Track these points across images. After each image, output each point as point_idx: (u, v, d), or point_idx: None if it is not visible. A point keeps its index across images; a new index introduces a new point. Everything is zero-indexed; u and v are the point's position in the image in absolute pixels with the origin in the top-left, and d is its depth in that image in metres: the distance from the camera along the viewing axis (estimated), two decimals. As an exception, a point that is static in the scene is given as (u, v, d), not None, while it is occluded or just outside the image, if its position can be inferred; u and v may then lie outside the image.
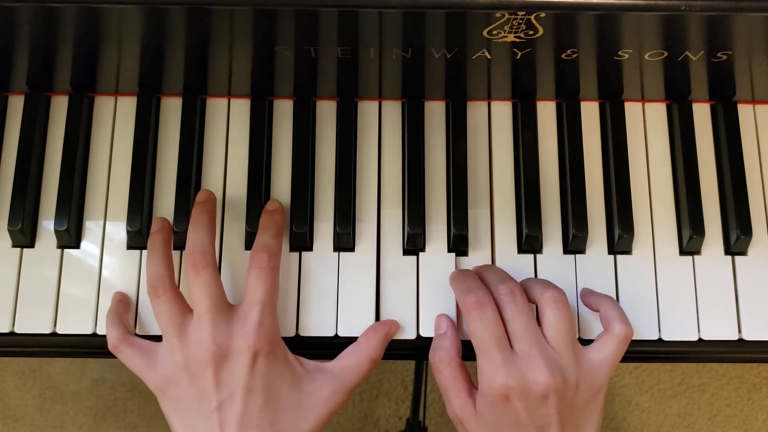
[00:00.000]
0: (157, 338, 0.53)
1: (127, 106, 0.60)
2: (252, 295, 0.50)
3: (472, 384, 0.52)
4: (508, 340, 0.49)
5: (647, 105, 0.61)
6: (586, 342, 0.56)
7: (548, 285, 0.51)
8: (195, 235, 0.52)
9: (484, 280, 0.53)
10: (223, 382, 0.48)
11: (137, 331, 0.56)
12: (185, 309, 0.51)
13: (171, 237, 0.55)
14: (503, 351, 0.48)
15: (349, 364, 0.52)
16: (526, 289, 0.52)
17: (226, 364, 0.48)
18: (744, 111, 0.61)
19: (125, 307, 0.55)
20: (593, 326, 0.56)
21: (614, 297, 0.57)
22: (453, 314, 0.56)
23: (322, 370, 0.52)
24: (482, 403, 0.49)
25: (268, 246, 0.52)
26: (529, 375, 0.47)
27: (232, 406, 0.48)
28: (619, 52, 0.52)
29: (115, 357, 0.54)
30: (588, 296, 0.55)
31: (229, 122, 0.60)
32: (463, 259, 0.58)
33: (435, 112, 0.61)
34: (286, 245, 0.57)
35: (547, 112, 0.61)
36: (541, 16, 0.46)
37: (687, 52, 0.52)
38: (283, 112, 0.60)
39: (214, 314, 0.49)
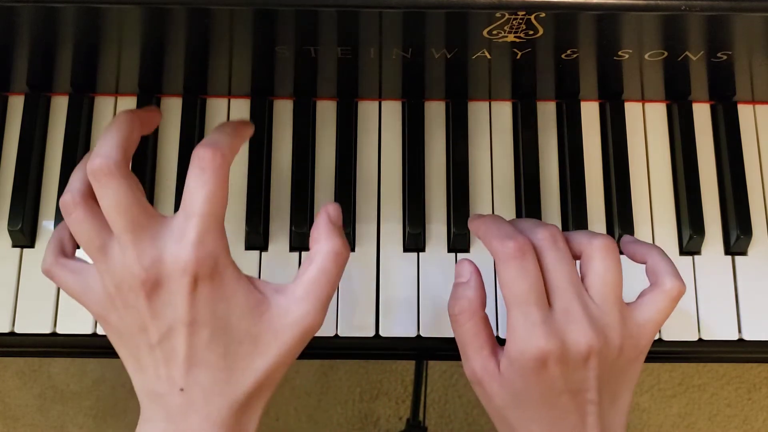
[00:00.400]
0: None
1: (127, 106, 0.60)
2: (189, 204, 0.41)
3: (494, 340, 0.46)
4: (545, 296, 0.43)
5: (647, 105, 0.61)
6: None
7: (594, 233, 0.45)
8: (103, 140, 0.43)
9: (517, 225, 0.47)
10: (160, 314, 0.41)
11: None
12: (107, 228, 0.42)
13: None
14: (542, 307, 0.42)
15: (311, 275, 0.43)
16: (568, 239, 0.46)
17: (161, 291, 0.41)
18: (744, 111, 0.61)
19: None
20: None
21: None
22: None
23: (283, 292, 0.43)
24: (510, 366, 0.43)
25: (215, 142, 0.42)
26: (570, 335, 0.42)
27: (175, 340, 0.41)
28: (619, 52, 0.52)
29: (117, 358, 0.53)
30: (632, 245, 0.49)
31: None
32: (462, 258, 0.58)
33: (435, 112, 0.61)
34: (285, 246, 0.57)
35: (547, 112, 0.61)
36: (541, 16, 0.46)
37: (687, 52, 0.52)
38: (283, 112, 0.60)
39: (134, 232, 0.41)
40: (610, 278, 0.44)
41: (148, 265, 0.41)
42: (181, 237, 0.41)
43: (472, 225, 0.49)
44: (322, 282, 0.43)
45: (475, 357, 0.45)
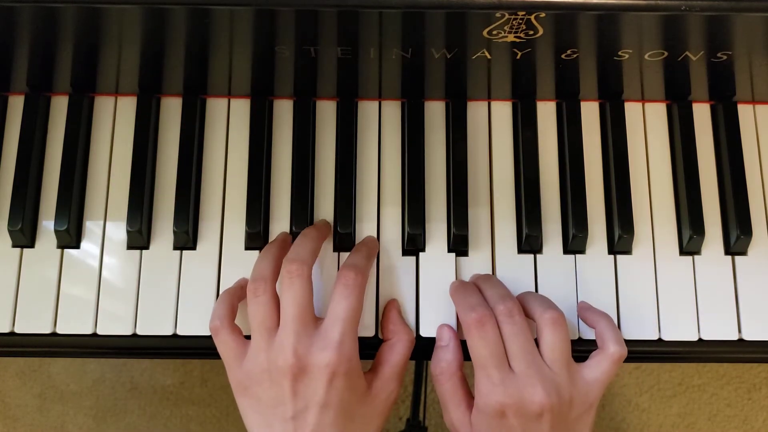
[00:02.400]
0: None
1: (127, 106, 0.60)
2: (335, 311, 0.51)
3: (471, 396, 0.53)
4: (506, 358, 0.50)
5: (647, 105, 0.61)
6: (585, 342, 0.56)
7: (548, 305, 0.52)
8: (299, 246, 0.53)
9: (484, 294, 0.54)
10: (300, 394, 0.49)
11: (138, 331, 0.56)
12: (278, 313, 0.51)
13: (288, 247, 0.54)
14: (501, 370, 0.50)
15: (395, 360, 0.54)
16: (526, 304, 0.53)
17: (304, 377, 0.49)
18: (744, 111, 0.61)
19: (243, 294, 0.55)
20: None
21: (614, 297, 0.57)
22: (453, 316, 0.56)
23: (379, 377, 0.53)
24: (478, 417, 0.51)
25: (357, 265, 0.53)
26: (525, 394, 0.49)
27: (307, 417, 0.49)
28: (619, 52, 0.52)
29: (117, 358, 0.54)
30: (585, 311, 0.56)
31: (229, 122, 0.60)
32: (463, 259, 0.58)
33: (435, 112, 0.61)
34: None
35: (547, 112, 0.61)
36: (541, 16, 0.46)
37: (687, 52, 0.52)
38: (283, 112, 0.60)
39: (298, 325, 0.50)
40: (558, 347, 0.51)
41: (301, 354, 0.49)
42: (326, 337, 0.50)
43: (450, 294, 0.56)
44: (403, 366, 0.54)
45: (454, 411, 0.53)
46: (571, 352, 0.52)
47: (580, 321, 0.56)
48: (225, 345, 0.52)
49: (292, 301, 0.50)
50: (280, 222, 0.58)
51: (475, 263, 0.57)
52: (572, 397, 0.50)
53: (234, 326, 0.53)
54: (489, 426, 0.50)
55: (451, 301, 0.56)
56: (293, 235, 0.57)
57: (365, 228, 0.58)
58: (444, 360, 0.54)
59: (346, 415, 0.50)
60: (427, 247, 0.58)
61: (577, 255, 0.58)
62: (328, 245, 0.57)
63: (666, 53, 0.52)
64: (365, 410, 0.52)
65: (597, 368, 0.52)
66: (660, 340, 0.57)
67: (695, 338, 0.57)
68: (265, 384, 0.50)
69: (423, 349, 0.56)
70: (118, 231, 0.58)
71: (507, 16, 0.46)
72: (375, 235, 0.58)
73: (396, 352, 0.54)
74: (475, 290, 0.54)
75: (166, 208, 0.58)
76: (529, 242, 0.57)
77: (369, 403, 0.52)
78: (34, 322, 0.56)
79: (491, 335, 0.50)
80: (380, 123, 0.60)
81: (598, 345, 0.53)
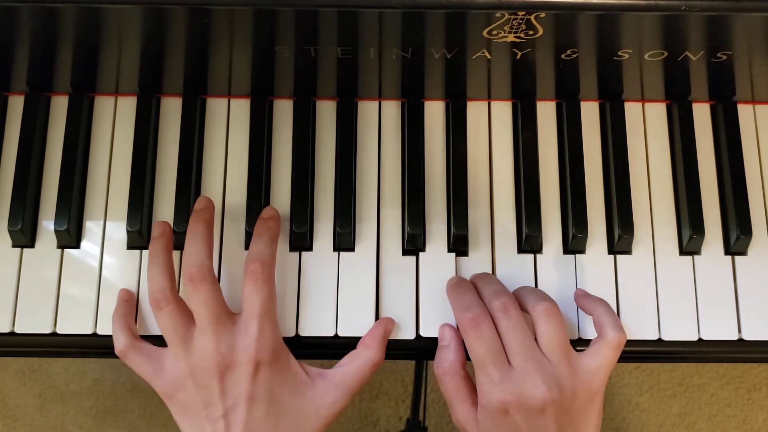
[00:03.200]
0: (161, 339, 0.53)
1: (127, 106, 0.60)
2: (249, 308, 0.51)
3: (475, 393, 0.53)
4: (504, 355, 0.50)
5: (647, 105, 0.61)
6: (586, 342, 0.56)
7: (540, 296, 0.52)
8: (191, 248, 0.53)
9: (480, 291, 0.54)
10: (228, 391, 0.50)
11: (139, 330, 0.56)
12: (189, 319, 0.52)
13: (171, 242, 0.55)
14: (500, 367, 0.50)
15: (350, 370, 0.53)
16: (519, 298, 0.53)
17: (231, 374, 0.50)
18: (744, 111, 0.61)
19: (131, 308, 0.55)
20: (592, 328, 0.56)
21: (614, 297, 0.57)
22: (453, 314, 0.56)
23: (325, 377, 0.53)
24: (482, 414, 0.51)
25: (260, 256, 0.52)
26: (526, 390, 0.49)
27: (237, 413, 0.50)
28: (619, 52, 0.52)
29: (116, 358, 0.54)
30: (582, 299, 0.56)
31: (229, 122, 0.60)
32: (463, 259, 0.58)
33: (435, 112, 0.61)
34: (286, 245, 0.57)
35: (547, 112, 0.61)
36: (541, 16, 0.46)
37: (687, 52, 0.52)
38: (283, 112, 0.60)
39: (215, 326, 0.50)
40: (555, 337, 0.51)
41: (225, 351, 0.50)
42: (246, 333, 0.50)
43: (447, 292, 0.56)
44: (357, 379, 0.53)
45: (459, 408, 0.53)
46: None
47: (580, 320, 0.56)
48: (137, 365, 0.53)
49: (203, 306, 0.51)
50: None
51: (475, 263, 0.57)
52: (574, 387, 0.50)
53: (138, 344, 0.53)
54: (494, 423, 0.50)
55: (451, 301, 0.56)
56: (291, 234, 0.57)
57: (365, 228, 0.58)
58: (446, 360, 0.54)
59: (278, 408, 0.50)
60: (427, 247, 0.58)
61: (577, 255, 0.58)
62: (327, 245, 0.57)
63: (666, 53, 0.52)
64: (302, 407, 0.51)
65: (597, 356, 0.51)
66: (660, 340, 0.57)
67: (695, 338, 0.57)
68: (190, 389, 0.51)
69: (423, 349, 0.56)
70: (118, 231, 0.58)
71: (507, 16, 0.46)
72: (375, 236, 0.58)
73: (356, 362, 0.54)
74: (471, 288, 0.54)
75: (166, 208, 0.58)
76: (529, 242, 0.57)
77: (308, 402, 0.52)
78: (34, 322, 0.56)
79: (487, 334, 0.50)
80: (380, 123, 0.60)
81: (597, 332, 0.53)
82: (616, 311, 0.57)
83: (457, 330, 0.55)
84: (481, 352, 0.50)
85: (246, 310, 0.51)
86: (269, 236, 0.55)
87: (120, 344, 0.53)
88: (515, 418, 0.49)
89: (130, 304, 0.56)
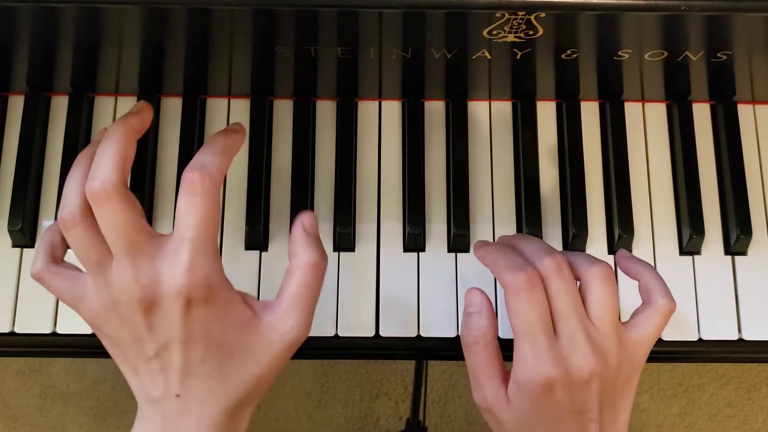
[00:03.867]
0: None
1: (127, 106, 0.60)
2: (180, 229, 0.42)
3: (505, 369, 0.48)
4: (551, 322, 0.45)
5: (647, 105, 0.61)
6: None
7: (594, 259, 0.47)
8: (100, 158, 0.43)
9: (521, 251, 0.49)
10: (157, 329, 0.42)
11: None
12: (104, 243, 0.43)
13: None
14: (549, 335, 0.45)
15: (292, 289, 0.44)
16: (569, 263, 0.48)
17: (157, 309, 0.42)
18: (744, 111, 0.61)
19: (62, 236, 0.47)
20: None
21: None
22: (453, 316, 0.56)
23: (270, 307, 0.45)
24: (518, 391, 0.46)
25: (204, 165, 0.43)
26: (573, 361, 0.44)
27: (171, 355, 0.43)
28: (619, 52, 0.52)
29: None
30: (626, 261, 0.51)
31: (229, 122, 0.60)
32: (463, 259, 0.58)
33: (435, 112, 0.61)
34: (286, 245, 0.57)
35: (547, 112, 0.61)
36: (541, 16, 0.46)
37: (687, 52, 0.52)
38: (283, 112, 0.60)
39: (131, 253, 0.42)
40: (608, 304, 0.46)
41: (146, 284, 0.42)
42: (175, 261, 0.42)
43: (478, 253, 0.51)
44: (303, 295, 0.44)
45: (487, 385, 0.47)
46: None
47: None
48: (56, 290, 0.45)
49: (113, 230, 0.42)
50: (280, 221, 0.58)
51: (476, 263, 0.57)
52: (620, 360, 0.45)
53: (57, 266, 0.46)
54: (532, 400, 0.45)
55: (451, 301, 0.56)
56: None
57: (365, 228, 0.58)
58: (478, 327, 0.48)
59: (220, 349, 0.43)
60: (427, 247, 0.58)
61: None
62: (327, 245, 0.57)
63: (666, 53, 0.52)
64: (250, 346, 0.43)
65: (644, 325, 0.47)
66: (660, 340, 0.57)
67: (695, 338, 0.57)
68: (115, 323, 0.43)
69: (423, 349, 0.56)
70: (118, 231, 0.57)
71: (507, 16, 0.46)
72: (375, 235, 0.58)
73: (295, 280, 0.44)
74: (513, 250, 0.49)
75: (166, 208, 0.58)
76: (529, 242, 0.57)
77: (256, 339, 0.44)
78: (34, 322, 0.56)
79: (541, 297, 0.45)
80: (380, 123, 0.60)
81: (643, 299, 0.48)
82: (616, 311, 0.56)
83: (487, 296, 0.50)
84: (533, 317, 0.44)
85: (177, 231, 0.42)
86: (221, 146, 0.45)
87: (35, 266, 0.46)
88: (558, 394, 0.44)
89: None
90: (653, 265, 0.58)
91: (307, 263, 0.44)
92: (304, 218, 0.46)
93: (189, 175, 0.42)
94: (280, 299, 0.45)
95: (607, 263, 0.47)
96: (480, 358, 0.48)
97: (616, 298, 0.46)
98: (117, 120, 0.47)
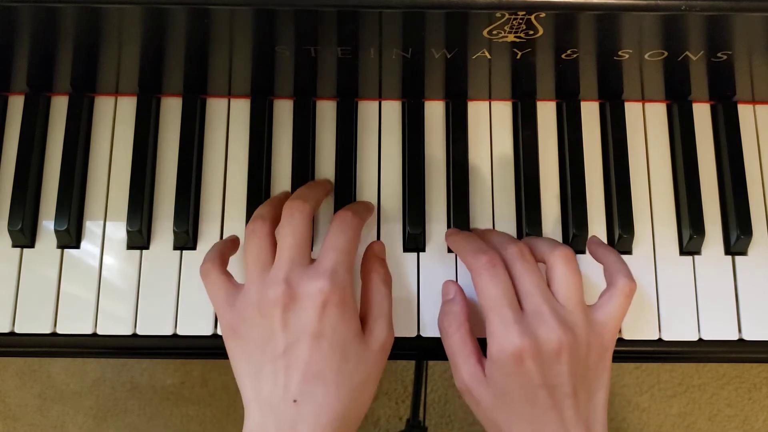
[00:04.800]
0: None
1: (127, 106, 0.60)
2: (330, 242, 0.50)
3: (480, 350, 0.51)
4: (516, 300, 0.49)
5: (647, 105, 0.61)
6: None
7: (556, 243, 0.51)
8: (304, 189, 0.54)
9: (489, 242, 0.53)
10: (290, 326, 0.47)
11: (138, 331, 0.56)
12: (274, 253, 0.51)
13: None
14: (514, 309, 0.48)
15: (376, 300, 0.52)
16: (532, 248, 0.52)
17: (295, 306, 0.47)
18: (744, 111, 0.61)
19: (233, 247, 0.55)
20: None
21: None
22: (453, 314, 0.56)
23: (366, 321, 0.51)
24: (492, 367, 0.48)
25: (355, 210, 0.53)
26: (541, 332, 0.47)
27: (298, 351, 0.47)
28: (619, 52, 0.52)
29: (116, 358, 0.53)
30: (594, 246, 0.55)
31: (229, 122, 0.60)
32: (463, 259, 0.58)
33: (435, 112, 0.61)
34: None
35: (547, 112, 0.61)
36: (541, 16, 0.46)
37: (687, 52, 0.52)
38: (283, 112, 0.60)
39: (294, 253, 0.49)
40: (572, 283, 0.49)
41: (293, 282, 0.48)
42: (320, 266, 0.49)
43: (448, 240, 0.56)
44: (386, 305, 0.52)
45: (464, 366, 0.50)
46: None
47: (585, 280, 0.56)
48: (215, 286, 0.51)
49: (290, 232, 0.49)
50: (280, 222, 0.58)
51: (475, 263, 0.57)
52: (589, 337, 0.48)
53: (225, 270, 0.52)
54: (506, 374, 0.47)
55: (451, 301, 0.56)
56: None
57: (365, 228, 0.58)
58: (451, 312, 0.52)
59: (341, 351, 0.48)
60: (427, 247, 0.58)
61: (577, 255, 0.58)
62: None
63: (666, 53, 0.52)
64: (361, 353, 0.49)
65: (608, 305, 0.50)
66: (660, 340, 0.57)
67: (695, 338, 0.57)
68: (254, 320, 0.48)
69: (423, 348, 0.56)
70: (118, 231, 0.58)
71: (507, 16, 0.46)
72: (375, 235, 0.58)
73: (375, 291, 0.52)
74: (477, 236, 0.54)
75: (166, 208, 0.58)
76: (529, 242, 0.57)
77: (364, 347, 0.49)
78: (34, 322, 0.56)
79: (502, 275, 0.49)
80: (380, 123, 0.60)
81: (607, 281, 0.52)
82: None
83: (460, 286, 0.55)
84: (496, 293, 0.48)
85: (326, 245, 0.50)
86: (365, 205, 0.56)
87: (207, 260, 0.52)
88: (529, 365, 0.47)
89: (234, 244, 0.55)
90: (653, 265, 0.58)
91: (382, 279, 0.53)
92: (375, 246, 0.56)
93: (343, 212, 0.52)
94: (368, 312, 0.51)
95: (568, 246, 0.51)
96: (455, 339, 0.51)
97: (578, 278, 0.50)
98: (318, 179, 0.58)
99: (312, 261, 0.50)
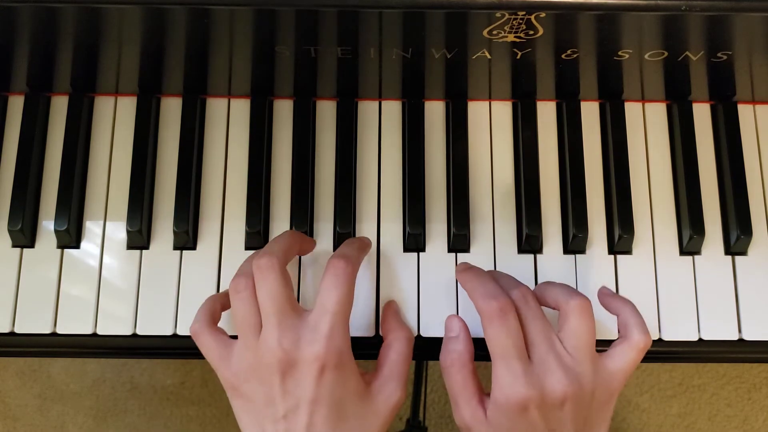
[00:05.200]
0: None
1: (127, 106, 0.60)
2: (323, 302, 0.49)
3: (482, 390, 0.51)
4: (525, 347, 0.49)
5: (647, 105, 0.61)
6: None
7: (573, 292, 0.50)
8: (273, 242, 0.52)
9: (497, 281, 0.52)
10: (290, 391, 0.48)
11: (138, 331, 0.56)
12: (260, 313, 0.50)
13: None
14: (523, 360, 0.48)
15: (392, 357, 0.52)
16: (548, 292, 0.52)
17: (293, 372, 0.48)
18: (744, 111, 0.61)
19: (227, 301, 0.53)
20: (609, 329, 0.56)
21: (614, 297, 0.57)
22: (453, 313, 0.56)
23: (375, 376, 0.51)
24: (496, 412, 0.49)
25: (346, 254, 0.51)
26: (546, 383, 0.47)
27: (298, 416, 0.48)
28: (619, 52, 0.52)
29: (116, 358, 0.53)
30: (607, 298, 0.54)
31: (229, 122, 0.60)
32: (463, 259, 0.58)
33: (435, 112, 0.61)
34: (286, 245, 0.57)
35: (547, 112, 0.61)
36: (541, 16, 0.46)
37: (687, 52, 0.52)
38: (283, 112, 0.60)
39: (278, 317, 0.48)
40: (584, 335, 0.49)
41: (287, 348, 0.47)
42: (316, 329, 0.48)
43: (459, 277, 0.55)
44: (401, 363, 0.52)
45: (465, 406, 0.50)
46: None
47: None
48: (207, 347, 0.51)
49: (267, 296, 0.48)
50: (280, 222, 0.58)
51: (476, 263, 0.57)
52: (594, 386, 0.48)
53: (215, 328, 0.52)
54: (509, 421, 0.48)
55: (451, 301, 0.56)
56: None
57: (365, 228, 0.58)
58: (455, 351, 0.52)
59: (339, 413, 0.48)
60: (427, 247, 0.58)
61: (577, 255, 0.58)
62: (327, 245, 0.57)
63: (666, 53, 0.52)
64: (361, 411, 0.49)
65: (620, 358, 0.50)
66: (660, 340, 0.57)
67: (695, 338, 0.57)
68: (254, 383, 0.49)
69: (423, 348, 0.56)
70: (118, 231, 0.58)
71: (507, 16, 0.46)
72: (375, 235, 0.58)
73: (394, 350, 0.52)
74: (491, 277, 0.52)
75: (166, 208, 0.58)
76: (529, 242, 0.57)
77: (366, 404, 0.50)
78: (34, 322, 0.56)
79: (513, 324, 0.48)
80: (380, 123, 0.60)
81: (621, 333, 0.51)
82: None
83: (464, 322, 0.54)
84: (507, 344, 0.48)
85: (319, 304, 0.49)
86: (360, 244, 0.54)
87: (196, 322, 0.52)
88: (533, 414, 0.47)
89: (228, 297, 0.53)
90: (653, 265, 0.58)
91: (404, 336, 0.53)
92: (393, 304, 0.56)
93: (336, 261, 0.50)
94: (382, 367, 0.52)
95: (585, 297, 0.50)
96: (457, 379, 0.51)
97: (592, 330, 0.49)
98: (296, 231, 0.56)
99: (303, 311, 0.49)
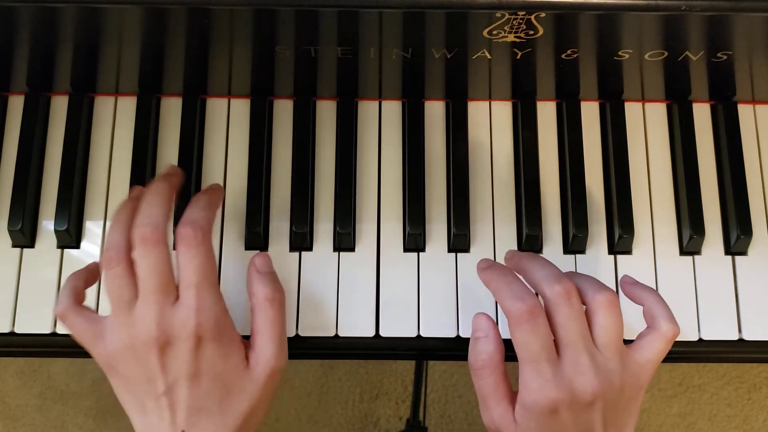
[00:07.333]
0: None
1: (127, 106, 0.60)
2: (184, 277, 0.47)
3: (512, 391, 0.50)
4: (554, 349, 0.47)
5: (647, 105, 0.61)
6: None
7: (600, 286, 0.49)
8: (150, 207, 0.48)
9: (529, 274, 0.50)
10: (168, 367, 0.47)
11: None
12: (136, 286, 0.48)
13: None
14: (553, 363, 0.46)
15: (259, 325, 0.49)
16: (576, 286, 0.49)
17: (170, 349, 0.46)
18: (744, 111, 0.61)
19: (89, 277, 0.52)
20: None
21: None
22: (453, 317, 0.56)
23: (249, 345, 0.50)
24: (525, 415, 0.47)
25: (194, 220, 0.48)
26: (577, 384, 0.46)
27: (179, 391, 0.47)
28: (619, 52, 0.52)
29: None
30: (630, 287, 0.52)
31: (229, 122, 0.60)
32: (463, 259, 0.58)
33: (435, 112, 0.61)
34: (285, 246, 0.57)
35: (547, 112, 0.61)
36: (541, 16, 0.46)
37: (687, 52, 0.52)
38: (283, 112, 0.60)
39: (159, 295, 0.47)
40: (613, 331, 0.47)
41: (164, 325, 0.46)
42: (183, 304, 0.47)
43: (482, 275, 0.52)
44: (270, 328, 0.49)
45: (495, 408, 0.49)
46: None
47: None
48: (77, 328, 0.49)
49: (149, 271, 0.47)
50: (279, 221, 0.58)
51: (476, 263, 0.57)
52: (623, 382, 0.47)
53: (81, 307, 0.49)
54: (538, 423, 0.47)
55: (451, 301, 0.56)
56: (291, 234, 0.57)
57: (365, 228, 0.58)
58: (485, 352, 0.49)
59: (221, 385, 0.47)
60: (427, 247, 0.58)
61: (577, 255, 0.58)
62: (328, 245, 0.57)
63: (666, 53, 0.52)
64: (243, 383, 0.48)
65: (649, 349, 0.48)
66: (660, 340, 0.57)
67: (695, 338, 0.57)
68: (131, 361, 0.47)
69: (423, 349, 0.56)
70: (118, 231, 0.57)
71: (507, 16, 0.46)
72: (375, 235, 0.58)
73: (259, 316, 0.49)
74: (516, 276, 0.50)
75: (166, 208, 0.58)
76: (530, 242, 0.57)
77: (247, 375, 0.48)
78: (34, 322, 0.56)
79: (543, 327, 0.46)
80: (380, 123, 0.60)
81: (648, 323, 0.50)
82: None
83: (493, 320, 0.51)
84: (536, 348, 0.46)
85: (181, 280, 0.47)
86: (206, 201, 0.51)
87: (60, 305, 0.49)
88: (563, 416, 0.46)
89: (92, 274, 0.52)
90: (653, 264, 0.58)
91: (264, 298, 0.49)
92: (255, 260, 0.52)
93: (182, 230, 0.48)
94: (252, 336, 0.49)
95: (612, 291, 0.48)
96: (488, 382, 0.49)
97: (620, 325, 0.48)
98: (159, 177, 0.52)
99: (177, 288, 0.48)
